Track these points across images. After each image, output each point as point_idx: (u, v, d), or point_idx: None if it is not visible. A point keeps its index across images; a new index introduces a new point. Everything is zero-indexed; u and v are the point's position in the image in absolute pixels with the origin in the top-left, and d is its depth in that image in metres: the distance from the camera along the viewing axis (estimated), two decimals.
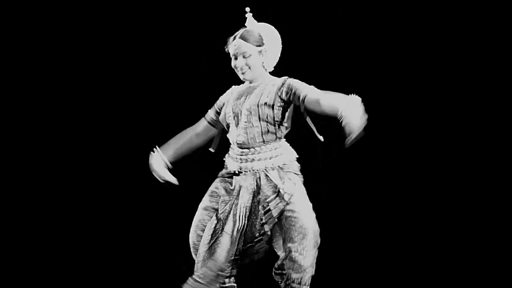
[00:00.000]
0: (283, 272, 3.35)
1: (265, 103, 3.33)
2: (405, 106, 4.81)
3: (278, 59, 3.48)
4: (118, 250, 5.04)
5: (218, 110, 3.53)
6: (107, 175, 5.06)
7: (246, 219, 3.30)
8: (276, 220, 3.29)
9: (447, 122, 4.75)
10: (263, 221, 3.29)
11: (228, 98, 3.49)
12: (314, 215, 3.33)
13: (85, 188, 5.07)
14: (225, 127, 3.47)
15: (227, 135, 3.46)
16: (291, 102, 3.34)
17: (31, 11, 4.99)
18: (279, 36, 3.46)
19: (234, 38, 3.41)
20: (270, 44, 3.42)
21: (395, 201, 4.81)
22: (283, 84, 3.36)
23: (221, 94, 3.57)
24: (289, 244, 3.28)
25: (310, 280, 3.33)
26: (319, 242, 3.31)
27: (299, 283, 3.31)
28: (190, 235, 3.40)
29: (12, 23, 4.98)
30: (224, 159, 3.48)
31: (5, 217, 4.99)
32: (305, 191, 3.36)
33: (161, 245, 5.01)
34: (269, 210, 3.29)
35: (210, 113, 3.56)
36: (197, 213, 3.42)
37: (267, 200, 3.30)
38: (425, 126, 4.78)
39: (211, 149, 3.55)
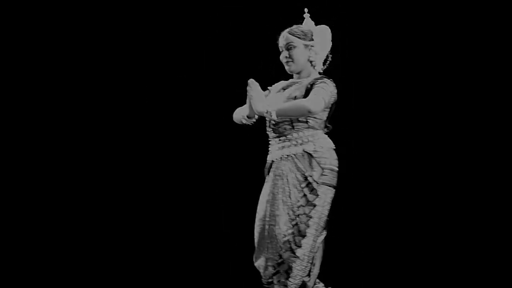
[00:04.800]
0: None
1: (295, 97, 3.41)
2: (405, 106, 4.83)
3: (325, 57, 3.53)
4: (118, 250, 5.06)
5: None
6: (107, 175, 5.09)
7: (270, 205, 3.37)
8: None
9: (446, 123, 4.77)
10: (300, 203, 3.35)
11: (272, 90, 3.58)
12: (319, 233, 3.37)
13: (85, 188, 5.08)
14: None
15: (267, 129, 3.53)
16: None
17: (18, 9, 4.99)
18: (330, 35, 3.53)
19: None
20: (319, 41, 3.50)
21: (395, 201, 4.83)
22: (314, 83, 3.41)
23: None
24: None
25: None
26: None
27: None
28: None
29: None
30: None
31: (5, 217, 4.99)
32: (330, 193, 3.39)
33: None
34: (305, 195, 3.35)
35: None
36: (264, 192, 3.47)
37: (301, 185, 3.36)
38: (425, 126, 4.80)
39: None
